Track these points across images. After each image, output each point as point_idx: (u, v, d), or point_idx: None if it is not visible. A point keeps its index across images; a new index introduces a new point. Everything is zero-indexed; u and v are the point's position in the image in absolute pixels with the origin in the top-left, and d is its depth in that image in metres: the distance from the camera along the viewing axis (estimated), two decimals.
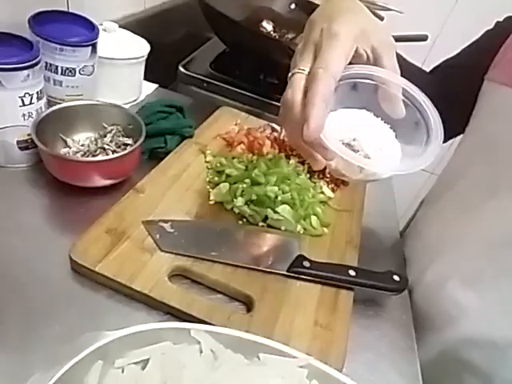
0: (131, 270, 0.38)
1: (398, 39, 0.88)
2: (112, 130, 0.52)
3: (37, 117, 0.47)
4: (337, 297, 0.42)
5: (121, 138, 0.51)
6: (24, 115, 0.46)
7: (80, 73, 0.53)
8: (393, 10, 1.13)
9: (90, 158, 0.48)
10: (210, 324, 0.36)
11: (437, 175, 0.60)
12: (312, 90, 0.33)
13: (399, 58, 0.42)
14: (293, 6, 1.03)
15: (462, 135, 0.55)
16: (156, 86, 0.74)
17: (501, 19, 0.53)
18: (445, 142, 0.58)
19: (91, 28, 0.54)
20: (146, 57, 0.65)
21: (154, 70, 0.72)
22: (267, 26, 0.90)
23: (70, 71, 0.52)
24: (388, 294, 0.44)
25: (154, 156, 0.55)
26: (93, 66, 0.55)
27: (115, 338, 0.30)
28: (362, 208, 0.57)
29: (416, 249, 0.57)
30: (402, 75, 0.55)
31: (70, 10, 0.62)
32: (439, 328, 0.50)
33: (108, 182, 0.47)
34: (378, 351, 0.41)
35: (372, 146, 0.36)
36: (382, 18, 1.14)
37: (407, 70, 0.56)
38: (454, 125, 0.53)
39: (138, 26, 0.76)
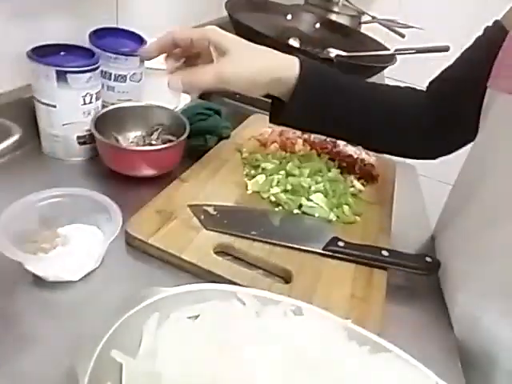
0: (180, 243, 0.42)
1: (420, 51, 0.92)
2: (158, 128, 0.57)
3: (94, 115, 0.52)
4: (371, 275, 0.44)
5: (166, 136, 0.57)
6: (84, 113, 0.52)
7: (130, 79, 0.59)
8: (413, 27, 1.18)
9: (141, 148, 0.53)
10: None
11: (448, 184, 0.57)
12: None
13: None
14: (318, 25, 1.10)
15: (471, 146, 0.51)
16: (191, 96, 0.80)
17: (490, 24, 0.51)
18: (453, 151, 0.58)
19: (140, 41, 0.61)
20: None
21: None
22: (294, 42, 0.95)
23: (122, 77, 0.58)
24: (420, 273, 0.45)
25: (194, 154, 0.60)
26: (141, 73, 0.61)
27: (170, 294, 0.34)
28: (391, 201, 0.59)
29: (449, 272, 0.49)
30: (396, 99, 0.56)
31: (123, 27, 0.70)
32: (477, 364, 0.45)
33: (154, 172, 0.52)
34: (414, 326, 0.42)
35: None
36: (403, 36, 1.19)
37: (398, 93, 0.57)
38: (460, 135, 0.53)
39: None
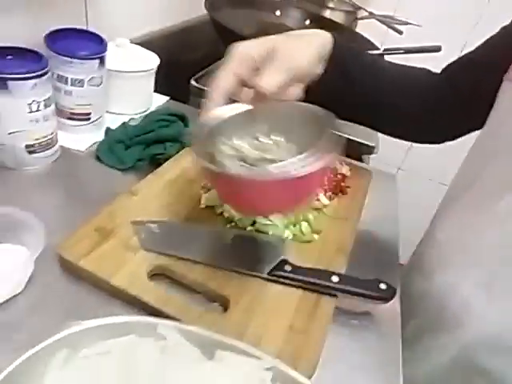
0: (112, 266, 0.39)
1: (410, 51, 0.87)
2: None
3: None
4: (317, 303, 0.42)
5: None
6: (32, 121, 0.50)
7: (88, 84, 0.57)
8: (411, 24, 1.13)
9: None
10: (181, 321, 0.36)
11: (443, 184, 0.59)
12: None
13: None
14: (307, 22, 1.05)
15: (477, 135, 0.54)
16: (167, 98, 0.77)
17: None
18: (457, 138, 0.58)
19: (100, 42, 0.58)
20: (154, 69, 0.69)
21: (170, 85, 0.76)
22: None
23: (79, 82, 0.56)
24: (373, 302, 0.42)
25: (153, 162, 0.57)
26: (101, 77, 0.58)
27: (83, 329, 0.32)
28: (358, 217, 0.56)
29: (431, 255, 0.55)
30: (406, 80, 0.56)
31: (88, 28, 0.68)
32: (451, 331, 0.50)
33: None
34: (355, 363, 0.39)
35: None
36: (400, 32, 1.14)
37: (412, 73, 0.57)
38: (466, 122, 0.54)
39: (154, 43, 0.80)
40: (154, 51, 0.71)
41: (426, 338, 0.53)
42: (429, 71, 0.58)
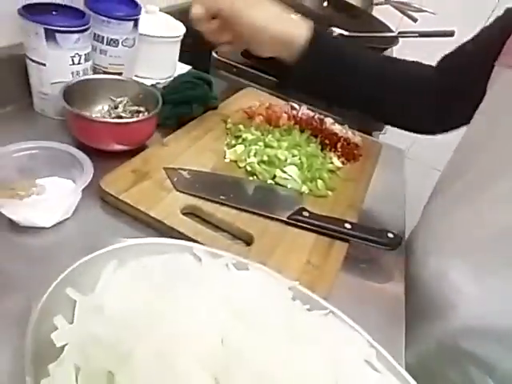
0: (150, 201, 0.44)
1: (423, 34, 0.91)
2: (122, 101, 0.56)
3: (62, 88, 0.50)
4: (331, 246, 0.46)
5: (133, 108, 0.55)
6: (73, 73, 0.54)
7: (122, 44, 0.61)
8: (426, 12, 1.15)
9: (110, 120, 0.52)
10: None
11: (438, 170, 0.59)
12: None
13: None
14: (325, 3, 1.08)
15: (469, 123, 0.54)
16: (190, 67, 0.81)
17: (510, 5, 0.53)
18: (449, 130, 0.59)
19: (135, 6, 0.62)
20: (181, 37, 0.72)
21: (192, 56, 0.79)
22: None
23: (114, 42, 0.60)
24: (381, 248, 0.47)
25: (180, 121, 0.61)
26: (134, 39, 0.62)
27: (130, 244, 0.36)
28: (368, 181, 0.60)
29: (424, 240, 0.56)
30: (405, 71, 0.58)
31: None
32: (440, 316, 0.50)
33: (124, 147, 0.50)
34: (364, 294, 0.44)
35: None
36: (415, 20, 1.17)
37: (407, 66, 0.58)
38: (461, 115, 0.53)
39: (180, 14, 0.83)
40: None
41: (414, 323, 0.51)
42: (421, 63, 0.59)
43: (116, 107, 0.56)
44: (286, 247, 0.44)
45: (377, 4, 1.25)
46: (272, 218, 0.47)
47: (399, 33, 0.91)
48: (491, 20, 0.55)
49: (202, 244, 0.41)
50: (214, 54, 0.88)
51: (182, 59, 0.79)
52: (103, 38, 0.59)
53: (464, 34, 0.92)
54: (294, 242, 0.45)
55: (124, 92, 0.57)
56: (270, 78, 0.85)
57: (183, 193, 0.47)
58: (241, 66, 0.86)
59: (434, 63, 0.60)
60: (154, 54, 0.71)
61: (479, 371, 0.48)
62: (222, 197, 0.47)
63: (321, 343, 0.30)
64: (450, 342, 0.49)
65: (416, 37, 0.89)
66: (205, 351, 0.26)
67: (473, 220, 0.48)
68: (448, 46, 0.69)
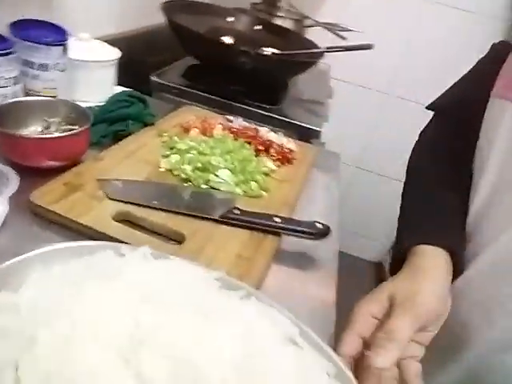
0: (80, 210, 0.45)
1: (347, 48, 0.99)
2: (54, 121, 0.57)
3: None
4: (263, 239, 0.48)
5: (66, 127, 0.57)
6: (1, 95, 0.54)
7: (54, 68, 0.62)
8: (353, 31, 1.26)
9: (35, 135, 0.53)
10: None
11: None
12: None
13: None
14: (258, 27, 1.15)
15: None
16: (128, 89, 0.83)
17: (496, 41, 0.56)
18: None
19: (63, 33, 0.64)
20: (115, 61, 0.75)
21: (132, 79, 0.82)
22: (228, 39, 1.00)
23: (44, 66, 0.61)
24: (311, 238, 0.49)
25: (116, 139, 0.63)
26: (64, 63, 0.64)
27: (54, 249, 0.37)
28: (303, 181, 0.64)
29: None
30: None
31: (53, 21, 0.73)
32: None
33: (55, 163, 0.51)
34: (296, 285, 0.46)
35: None
36: (344, 38, 1.26)
37: None
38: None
39: (115, 44, 0.87)
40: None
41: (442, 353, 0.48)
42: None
43: (49, 127, 0.57)
44: (218, 244, 0.46)
45: (308, 26, 1.34)
46: (205, 218, 0.49)
47: (327, 48, 0.99)
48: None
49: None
50: (152, 78, 0.91)
51: (123, 83, 0.81)
52: (33, 63, 0.61)
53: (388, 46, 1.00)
54: (226, 239, 0.47)
55: (56, 112, 0.58)
56: (209, 95, 0.89)
57: (115, 200, 0.48)
58: (181, 87, 0.90)
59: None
60: (90, 78, 0.73)
61: None
62: (154, 202, 0.48)
63: (235, 321, 0.31)
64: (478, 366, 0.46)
65: (341, 51, 0.97)
66: (116, 335, 0.27)
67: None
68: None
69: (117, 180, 0.51)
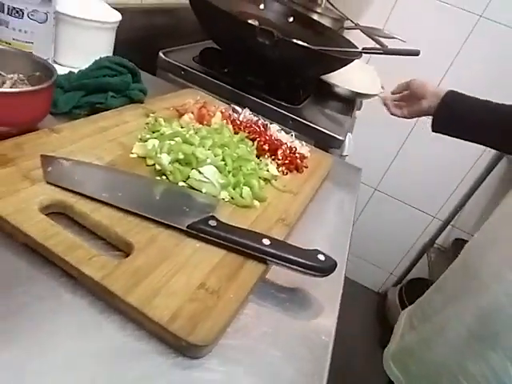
0: (1, 191, 0.33)
1: (388, 52, 0.85)
2: (12, 77, 0.46)
3: None
4: (241, 266, 0.35)
5: (24, 87, 0.45)
6: None
7: (29, 16, 0.51)
8: (396, 38, 1.12)
9: None
10: (65, 261, 0.29)
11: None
12: None
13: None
14: (291, 19, 1.03)
15: None
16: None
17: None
18: None
19: None
20: (115, 25, 0.64)
21: (139, 57, 0.71)
22: (254, 23, 0.88)
23: (17, 12, 0.50)
24: (308, 273, 0.36)
25: (92, 112, 0.51)
26: (46, 13, 0.53)
27: None
28: (308, 195, 0.51)
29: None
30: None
31: None
32: (473, 295, 0.56)
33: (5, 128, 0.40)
34: (280, 334, 0.33)
35: None
36: (383, 46, 1.13)
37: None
38: None
39: (128, 14, 0.76)
40: (126, 21, 0.66)
41: (448, 307, 0.58)
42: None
43: (3, 83, 0.46)
44: (176, 264, 0.33)
45: (347, 28, 1.21)
46: (169, 227, 0.36)
47: (363, 48, 0.86)
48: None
49: (51, 251, 0.30)
50: (161, 54, 0.80)
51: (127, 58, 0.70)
52: (3, 5, 0.50)
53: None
54: (190, 258, 0.34)
55: (18, 67, 0.47)
56: (223, 84, 0.76)
57: (54, 185, 0.36)
58: (189, 69, 0.78)
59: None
60: (78, 39, 0.61)
61: (500, 358, 0.50)
62: (104, 194, 0.36)
63: None
64: (480, 324, 0.53)
65: (380, 53, 0.84)
66: None
67: None
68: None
69: (65, 159, 0.39)
